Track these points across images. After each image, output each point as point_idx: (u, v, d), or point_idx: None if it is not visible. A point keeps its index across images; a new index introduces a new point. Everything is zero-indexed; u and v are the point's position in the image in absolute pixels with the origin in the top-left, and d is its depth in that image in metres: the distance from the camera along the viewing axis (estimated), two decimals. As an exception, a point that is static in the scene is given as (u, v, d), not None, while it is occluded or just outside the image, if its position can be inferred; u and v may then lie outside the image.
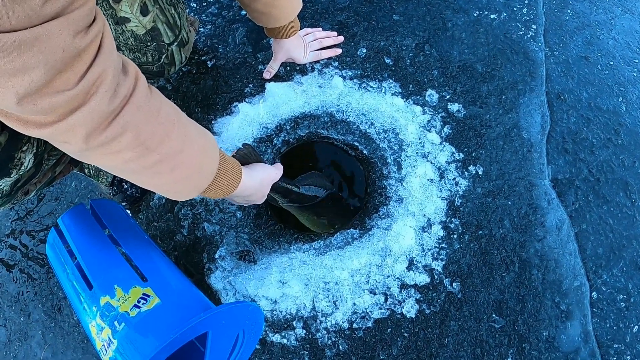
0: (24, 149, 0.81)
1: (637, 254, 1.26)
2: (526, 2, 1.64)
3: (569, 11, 1.66)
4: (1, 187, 0.83)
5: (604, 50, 1.59)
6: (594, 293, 1.21)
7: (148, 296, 0.85)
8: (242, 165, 0.96)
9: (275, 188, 1.09)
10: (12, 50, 0.51)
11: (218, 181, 0.88)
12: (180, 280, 0.96)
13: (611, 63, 1.56)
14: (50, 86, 0.57)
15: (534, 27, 1.58)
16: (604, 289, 1.22)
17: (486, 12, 1.59)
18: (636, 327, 1.21)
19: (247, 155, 1.01)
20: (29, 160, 0.84)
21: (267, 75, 1.44)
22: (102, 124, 0.64)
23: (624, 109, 1.47)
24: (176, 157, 0.76)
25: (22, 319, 1.31)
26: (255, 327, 0.96)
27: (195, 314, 0.82)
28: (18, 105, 0.57)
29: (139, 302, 0.84)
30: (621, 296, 1.22)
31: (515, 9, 1.61)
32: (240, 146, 1.01)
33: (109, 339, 0.81)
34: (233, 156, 1.00)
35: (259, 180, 1.00)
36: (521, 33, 1.55)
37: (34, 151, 0.84)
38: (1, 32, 0.50)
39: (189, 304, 0.88)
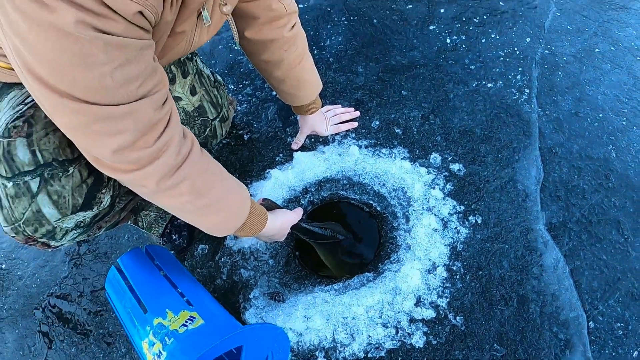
0: (103, 191, 1.02)
1: (632, 285, 1.40)
2: (520, 69, 1.89)
3: (560, 73, 1.89)
4: (85, 218, 1.02)
5: (594, 104, 1.79)
6: (591, 322, 1.35)
7: (194, 318, 1.08)
8: (267, 211, 1.23)
9: (296, 227, 1.35)
10: (114, 118, 0.76)
11: (249, 223, 1.14)
12: (219, 308, 1.20)
13: (600, 116, 1.76)
14: (135, 144, 0.82)
15: (527, 91, 1.81)
16: (601, 319, 1.36)
17: (484, 82, 1.85)
18: (636, 352, 1.32)
19: (269, 206, 1.30)
20: (107, 200, 1.04)
21: (295, 146, 1.71)
22: (169, 173, 0.89)
23: (614, 155, 1.65)
24: (220, 202, 1.02)
25: (73, 349, 1.51)
26: (283, 352, 1.18)
27: (232, 331, 1.05)
28: (112, 156, 0.81)
29: (186, 322, 1.07)
30: (619, 324, 1.35)
31: (510, 76, 1.86)
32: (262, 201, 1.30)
33: (160, 351, 1.02)
34: (260, 204, 1.29)
35: (280, 223, 1.26)
36: (515, 97, 1.79)
37: (111, 194, 1.04)
38: (109, 105, 0.74)
39: (227, 325, 1.11)
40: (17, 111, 0.93)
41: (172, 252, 1.53)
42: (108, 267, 1.61)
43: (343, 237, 1.48)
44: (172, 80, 1.31)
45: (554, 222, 1.51)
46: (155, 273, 1.23)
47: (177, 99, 1.34)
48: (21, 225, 0.94)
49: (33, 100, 0.93)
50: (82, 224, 1.02)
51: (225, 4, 0.96)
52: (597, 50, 2.00)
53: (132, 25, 0.73)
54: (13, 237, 0.97)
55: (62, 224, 0.97)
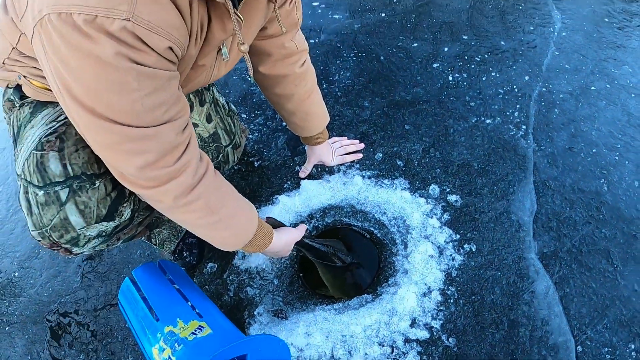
0: (124, 204, 1.11)
1: (620, 312, 1.47)
2: (518, 106, 2.01)
3: (556, 110, 2.01)
4: (107, 228, 1.10)
5: (588, 140, 1.90)
6: (579, 347, 1.42)
7: (203, 327, 1.19)
8: (273, 229, 1.35)
9: (300, 243, 1.46)
10: (140, 139, 0.87)
11: (256, 239, 1.24)
12: (226, 321, 1.30)
13: (594, 151, 1.86)
14: (157, 163, 0.92)
15: (524, 127, 1.93)
16: (589, 343, 1.42)
17: (483, 118, 1.97)
18: None
19: (274, 224, 1.41)
20: (127, 213, 1.13)
21: (302, 174, 1.83)
22: (186, 191, 1.00)
23: (606, 188, 1.75)
24: (230, 219, 1.13)
25: (81, 356, 1.58)
26: (284, 364, 1.29)
27: (238, 339, 1.15)
28: (136, 173, 0.92)
29: (195, 331, 1.17)
30: (606, 349, 1.42)
31: (508, 113, 1.98)
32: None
33: (169, 356, 1.11)
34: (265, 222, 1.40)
35: (285, 240, 1.36)
36: (512, 133, 1.91)
37: (131, 207, 1.13)
38: (138, 127, 0.85)
39: (233, 335, 1.21)
40: (50, 127, 1.04)
41: (183, 268, 1.63)
42: (119, 280, 1.72)
43: (343, 258, 1.58)
44: (190, 108, 1.42)
45: (545, 251, 1.60)
46: (167, 285, 1.34)
47: (194, 126, 1.43)
48: (48, 230, 1.03)
49: (65, 118, 1.05)
50: (104, 233, 1.11)
51: (243, 43, 1.06)
52: (593, 87, 2.11)
53: (162, 59, 0.84)
54: (39, 241, 1.07)
55: (86, 232, 1.07)
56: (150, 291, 1.30)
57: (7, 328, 1.72)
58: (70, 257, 1.52)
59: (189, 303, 1.28)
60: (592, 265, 1.57)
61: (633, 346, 1.43)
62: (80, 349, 1.60)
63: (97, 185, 1.04)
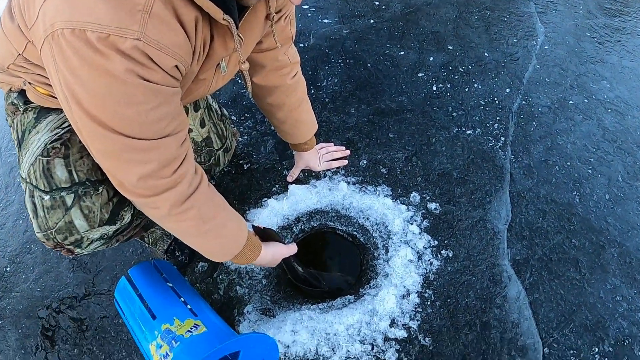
0: (125, 209, 1.19)
1: (586, 318, 1.63)
2: (498, 118, 2.17)
3: (534, 123, 2.17)
4: (108, 231, 1.18)
5: (563, 153, 2.07)
6: (546, 349, 1.56)
7: (198, 325, 1.28)
8: (262, 241, 1.43)
9: (286, 261, 1.57)
10: (143, 150, 0.92)
11: (244, 252, 1.31)
12: (220, 319, 1.41)
13: (568, 164, 2.03)
14: (157, 174, 0.98)
15: (502, 138, 2.09)
16: (555, 346, 1.57)
17: (464, 129, 2.13)
18: None
19: (264, 233, 1.51)
20: (128, 217, 1.21)
21: (290, 178, 1.93)
22: (181, 201, 1.06)
23: (578, 200, 1.92)
24: (220, 229, 1.19)
25: (75, 350, 1.66)
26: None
27: (232, 337, 1.26)
28: (136, 182, 0.97)
29: (191, 329, 1.26)
30: (572, 351, 1.56)
31: (488, 124, 2.14)
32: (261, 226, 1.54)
33: (166, 353, 1.19)
34: (255, 228, 1.51)
35: (272, 255, 1.45)
36: (491, 144, 2.07)
37: (131, 212, 1.21)
38: (140, 139, 0.91)
39: (226, 333, 1.32)
40: (55, 134, 1.13)
41: (175, 267, 1.71)
42: (112, 277, 1.81)
43: (321, 286, 1.69)
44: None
45: (517, 258, 1.76)
46: (162, 284, 1.45)
47: (188, 131, 1.51)
48: (53, 232, 1.11)
49: (69, 125, 1.13)
50: (106, 236, 1.19)
51: (244, 62, 1.17)
52: (571, 102, 2.28)
53: (168, 76, 0.90)
54: (44, 242, 1.16)
55: (89, 235, 1.16)
56: (147, 290, 1.41)
57: (0, 322, 1.81)
58: (72, 257, 1.61)
59: (184, 301, 1.39)
60: (562, 272, 1.73)
61: (597, 349, 1.57)
62: (73, 343, 1.69)
63: (100, 191, 1.13)
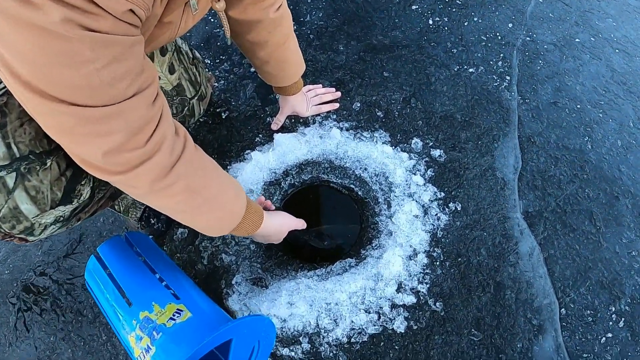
0: (83, 182, 1.00)
1: (602, 275, 1.51)
2: (501, 55, 1.96)
3: (540, 61, 1.97)
4: (64, 212, 1.00)
5: (572, 95, 1.88)
6: (562, 309, 1.45)
7: (181, 311, 1.11)
8: (265, 211, 1.25)
9: (293, 236, 1.39)
10: (103, 119, 0.74)
11: (244, 222, 1.14)
12: (205, 299, 1.22)
13: (578, 107, 1.85)
14: (127, 145, 0.79)
15: (507, 78, 1.89)
16: (572, 306, 1.46)
17: (465, 67, 1.91)
18: (604, 338, 1.43)
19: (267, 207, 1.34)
20: (87, 192, 1.04)
21: (274, 126, 1.74)
22: (162, 173, 0.88)
23: (590, 147, 1.75)
24: (214, 200, 1.02)
25: (51, 338, 1.51)
26: (269, 340, 1.23)
27: (221, 324, 1.07)
28: (102, 159, 0.79)
29: (174, 315, 1.09)
30: (588, 312, 1.46)
31: (491, 62, 1.93)
32: (253, 188, 1.34)
33: (148, 346, 1.04)
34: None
35: (278, 225, 1.28)
36: (496, 84, 1.86)
37: (91, 185, 1.02)
38: (97, 107, 0.72)
39: (215, 317, 1.14)
40: None
41: (151, 236, 1.53)
42: (83, 252, 1.60)
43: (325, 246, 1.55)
44: (150, 59, 1.29)
45: (530, 210, 1.60)
46: (137, 263, 1.24)
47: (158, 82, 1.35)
48: None
49: (5, 87, 0.88)
50: (62, 218, 1.01)
51: (218, 0, 0.95)
52: (577, 40, 2.08)
53: (121, 22, 0.71)
54: None
55: (40, 220, 0.95)
56: (120, 271, 1.20)
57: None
58: (27, 244, 1.38)
59: (164, 283, 1.19)
60: (576, 226, 1.59)
61: (613, 308, 1.47)
62: (50, 329, 1.50)
63: (48, 164, 0.91)
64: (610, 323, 1.46)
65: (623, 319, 1.46)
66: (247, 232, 1.18)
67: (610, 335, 1.44)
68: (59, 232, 1.06)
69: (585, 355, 1.42)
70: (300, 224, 1.40)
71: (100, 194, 1.09)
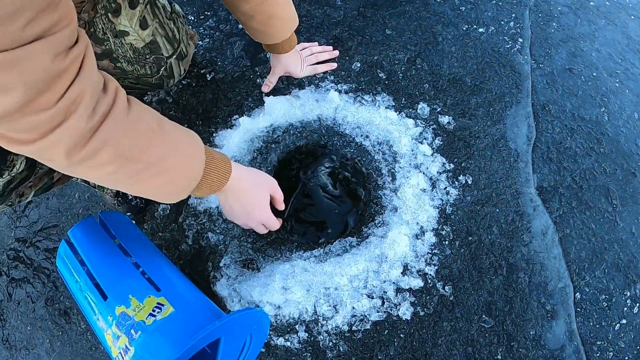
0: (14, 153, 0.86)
1: (618, 257, 1.40)
2: (513, 15, 1.79)
3: (554, 24, 1.81)
4: None
5: (588, 62, 1.74)
6: (577, 294, 1.34)
7: (162, 305, 0.96)
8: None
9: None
10: None
11: (207, 178, 0.95)
12: (190, 289, 1.07)
13: (594, 74, 1.71)
14: (31, 106, 0.63)
15: (520, 40, 1.72)
16: (587, 290, 1.35)
17: (475, 26, 1.74)
18: (618, 325, 1.34)
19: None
20: (21, 162, 0.90)
21: (265, 88, 1.56)
22: (82, 141, 0.71)
23: (606, 118, 1.62)
24: (159, 163, 0.84)
25: (28, 328, 1.40)
26: (262, 332, 1.08)
27: (208, 321, 0.93)
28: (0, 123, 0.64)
29: (154, 310, 0.94)
30: (603, 296, 1.36)
31: (502, 22, 1.76)
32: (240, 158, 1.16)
33: (126, 346, 0.91)
34: None
35: (255, 183, 1.08)
36: (508, 46, 1.70)
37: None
38: None
39: (201, 311, 0.99)
40: None
41: (129, 214, 1.39)
42: (57, 232, 1.46)
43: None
44: (116, 12, 1.13)
45: (544, 185, 1.46)
46: (113, 250, 1.09)
47: (123, 34, 1.17)
48: None
49: None
50: None
51: None
52: (592, 3, 1.93)
53: None
54: None
55: None
56: (93, 259, 1.04)
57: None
58: None
59: (140, 269, 1.03)
60: (593, 203, 1.47)
61: (628, 293, 1.38)
62: (26, 318, 1.38)
63: None
64: (625, 309, 1.36)
65: (638, 304, 1.37)
66: (213, 189, 0.99)
67: (624, 321, 1.35)
68: (1, 209, 0.91)
69: (599, 342, 1.33)
70: (280, 192, 1.21)
71: (45, 167, 0.94)
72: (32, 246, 1.49)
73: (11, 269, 1.47)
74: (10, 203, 0.96)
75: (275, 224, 1.19)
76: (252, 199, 1.10)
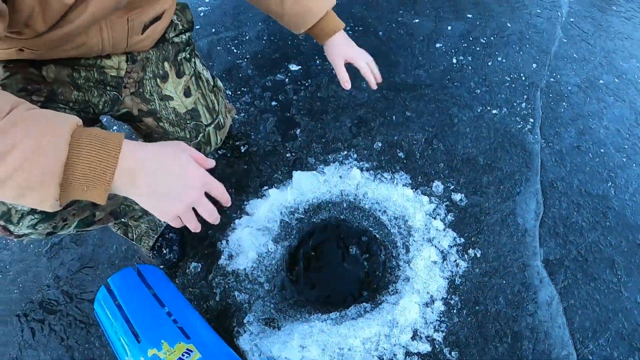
0: None
1: (622, 326, 1.47)
2: (525, 97, 1.94)
3: (564, 103, 1.95)
4: None
5: (596, 139, 1.85)
6: None
7: (191, 351, 1.09)
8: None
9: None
10: None
11: (79, 158, 0.67)
12: (216, 340, 1.20)
13: (602, 151, 1.82)
14: None
15: (531, 120, 1.86)
16: (591, 358, 1.41)
17: (489, 108, 1.89)
18: None
19: None
20: None
21: (347, 85, 1.42)
22: None
23: (613, 193, 1.72)
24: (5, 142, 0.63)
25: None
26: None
27: None
28: None
29: (183, 355, 1.07)
30: None
31: (515, 104, 1.91)
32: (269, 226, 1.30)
33: None
34: None
35: (165, 151, 0.78)
36: (519, 127, 1.84)
37: None
38: None
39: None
40: None
41: (162, 267, 1.52)
42: (95, 278, 1.59)
43: None
44: (164, 78, 1.25)
45: (551, 258, 1.56)
46: (148, 298, 1.23)
47: (168, 98, 1.27)
48: None
49: None
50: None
51: None
52: (601, 81, 2.06)
53: None
54: None
55: (16, 206, 0.86)
56: (130, 305, 1.18)
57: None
58: (15, 240, 1.34)
59: (172, 317, 1.17)
60: (597, 275, 1.55)
61: None
62: (55, 354, 1.47)
63: None
64: (629, 377, 1.42)
65: (643, 372, 1.42)
66: (96, 176, 0.69)
67: (628, 390, 1.41)
68: (42, 227, 0.91)
69: (603, 410, 1.39)
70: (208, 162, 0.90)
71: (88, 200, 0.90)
72: (68, 284, 1.59)
73: (45, 306, 1.57)
74: (53, 223, 0.91)
75: (219, 185, 0.89)
76: (176, 166, 0.79)
